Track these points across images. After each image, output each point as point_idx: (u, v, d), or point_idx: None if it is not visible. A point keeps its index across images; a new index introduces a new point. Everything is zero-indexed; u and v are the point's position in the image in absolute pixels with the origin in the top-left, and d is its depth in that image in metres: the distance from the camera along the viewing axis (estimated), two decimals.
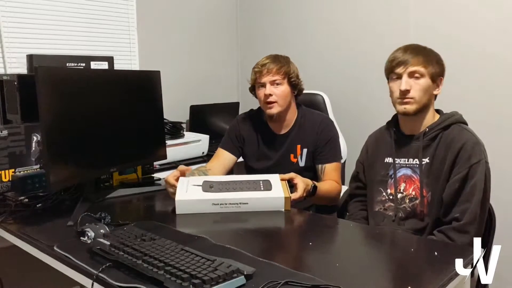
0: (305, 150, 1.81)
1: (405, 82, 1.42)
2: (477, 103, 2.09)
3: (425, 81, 1.42)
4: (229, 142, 1.90)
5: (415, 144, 1.46)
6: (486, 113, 2.06)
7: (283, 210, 1.46)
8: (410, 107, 1.43)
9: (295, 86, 1.80)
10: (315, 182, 1.64)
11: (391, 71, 1.46)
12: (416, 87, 1.42)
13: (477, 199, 1.33)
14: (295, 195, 1.50)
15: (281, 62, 1.76)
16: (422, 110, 1.44)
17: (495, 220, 1.46)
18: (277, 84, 1.75)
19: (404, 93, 1.42)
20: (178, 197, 1.45)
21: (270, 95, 1.74)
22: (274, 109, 1.76)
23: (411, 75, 1.43)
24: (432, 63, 1.43)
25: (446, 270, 1.00)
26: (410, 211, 1.44)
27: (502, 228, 1.51)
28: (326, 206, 1.84)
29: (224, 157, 1.88)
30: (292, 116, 1.84)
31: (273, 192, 1.48)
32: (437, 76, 1.44)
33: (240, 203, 1.45)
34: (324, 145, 1.80)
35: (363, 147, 1.66)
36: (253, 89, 1.84)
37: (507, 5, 2.02)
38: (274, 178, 1.54)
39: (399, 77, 1.44)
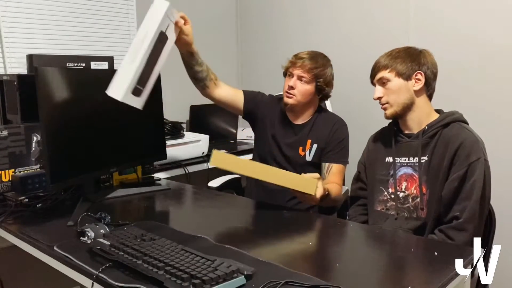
0: (315, 146, 1.82)
1: (376, 90, 1.49)
2: (477, 103, 2.09)
3: (394, 84, 1.44)
4: (252, 96, 1.92)
5: (415, 143, 1.46)
6: (485, 112, 2.06)
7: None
8: (388, 112, 1.48)
9: (320, 90, 1.80)
10: (328, 188, 1.61)
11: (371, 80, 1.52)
12: (387, 92, 1.46)
13: (476, 197, 1.33)
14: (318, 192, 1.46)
15: (317, 63, 1.76)
16: (406, 109, 1.46)
17: (495, 220, 1.47)
18: (304, 81, 1.76)
19: (379, 100, 1.48)
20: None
21: (293, 88, 1.76)
22: (290, 100, 1.78)
23: (380, 81, 1.47)
24: (398, 62, 1.43)
25: (446, 270, 1.00)
26: (413, 210, 1.44)
27: (502, 228, 1.51)
28: (326, 207, 1.83)
29: (236, 92, 1.90)
30: (308, 112, 1.85)
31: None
32: (410, 72, 1.43)
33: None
34: (335, 145, 1.81)
35: (364, 149, 1.67)
36: (285, 75, 1.86)
37: (508, 4, 2.02)
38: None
39: (375, 85, 1.50)
